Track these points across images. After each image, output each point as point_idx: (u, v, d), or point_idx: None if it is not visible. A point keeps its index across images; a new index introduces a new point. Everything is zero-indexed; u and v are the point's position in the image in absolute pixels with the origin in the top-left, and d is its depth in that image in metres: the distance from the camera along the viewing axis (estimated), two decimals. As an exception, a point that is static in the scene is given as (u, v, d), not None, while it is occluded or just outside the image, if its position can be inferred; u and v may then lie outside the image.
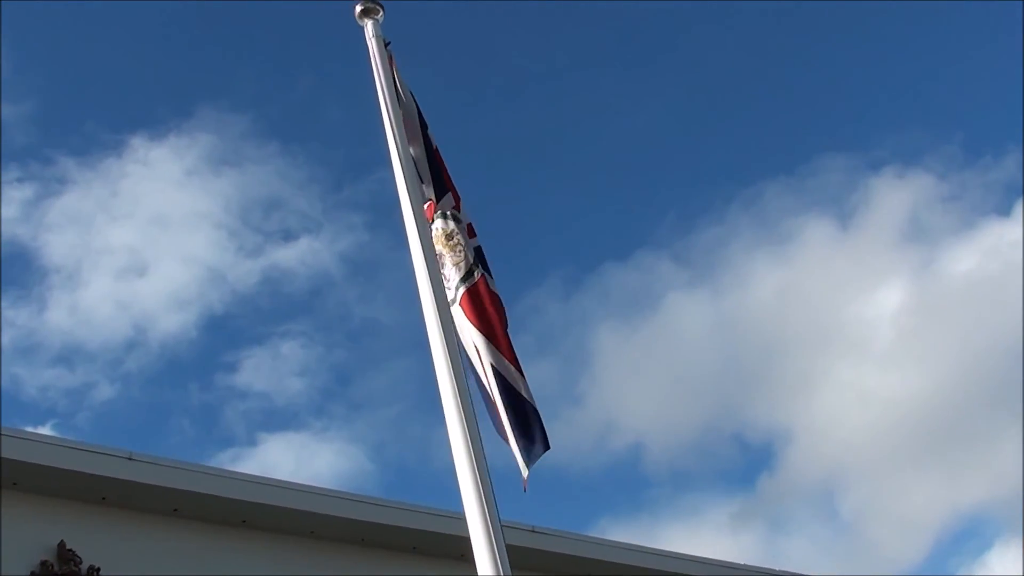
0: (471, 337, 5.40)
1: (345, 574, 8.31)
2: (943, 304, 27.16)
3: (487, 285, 5.54)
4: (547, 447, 5.23)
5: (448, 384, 4.80)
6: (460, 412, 4.69)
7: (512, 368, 5.32)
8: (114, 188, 23.56)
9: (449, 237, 5.60)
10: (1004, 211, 30.41)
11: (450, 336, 4.95)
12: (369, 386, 24.87)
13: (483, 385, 5.31)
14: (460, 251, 5.58)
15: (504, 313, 5.57)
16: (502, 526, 4.54)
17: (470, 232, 5.70)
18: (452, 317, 5.10)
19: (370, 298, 24.64)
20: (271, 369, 24.08)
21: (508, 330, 5.47)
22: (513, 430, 5.19)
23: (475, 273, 5.52)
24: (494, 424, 5.27)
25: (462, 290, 5.48)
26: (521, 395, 5.27)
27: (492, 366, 5.30)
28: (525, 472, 5.13)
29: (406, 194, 5.32)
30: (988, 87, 26.05)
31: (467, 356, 5.36)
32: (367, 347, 24.74)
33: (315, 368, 24.63)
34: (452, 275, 5.52)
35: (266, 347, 23.93)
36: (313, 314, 24.60)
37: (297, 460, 23.30)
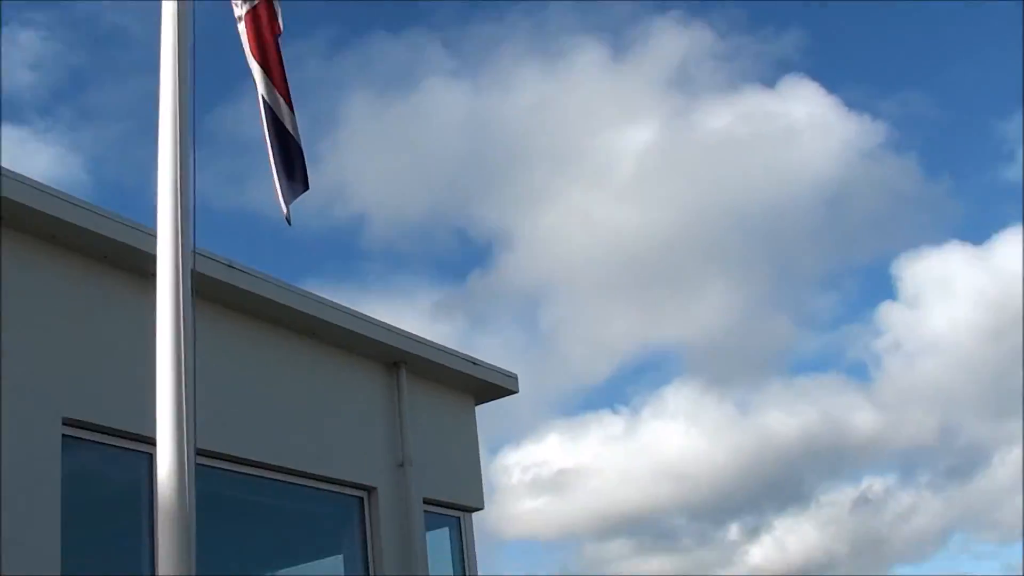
0: (251, 65, 5.24)
1: (29, 268, 8.06)
2: (688, 154, 28.82)
3: (268, 7, 5.32)
4: (306, 187, 5.23)
5: (170, 100, 4.72)
6: (176, 127, 4.63)
7: (282, 101, 5.19)
8: None
9: None
10: (769, 83, 32.24)
11: (183, 60, 4.84)
12: (103, 97, 23.43)
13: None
14: None
15: (279, 37, 5.34)
16: (195, 252, 4.61)
17: None
18: (189, 46, 4.92)
19: (126, 7, 22.86)
20: (2, 55, 22.11)
21: (283, 57, 5.29)
22: (276, 165, 5.12)
23: None
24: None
25: (246, 7, 5.25)
26: (287, 129, 5.17)
27: (263, 98, 5.16)
28: (284, 209, 5.12)
29: None
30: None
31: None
32: (110, 56, 23.14)
33: (51, 65, 22.83)
34: None
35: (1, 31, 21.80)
36: (60, 9, 22.57)
37: (11, 157, 21.78)
